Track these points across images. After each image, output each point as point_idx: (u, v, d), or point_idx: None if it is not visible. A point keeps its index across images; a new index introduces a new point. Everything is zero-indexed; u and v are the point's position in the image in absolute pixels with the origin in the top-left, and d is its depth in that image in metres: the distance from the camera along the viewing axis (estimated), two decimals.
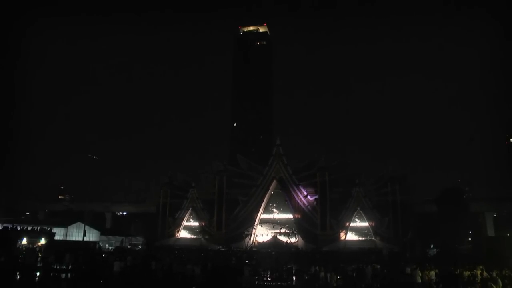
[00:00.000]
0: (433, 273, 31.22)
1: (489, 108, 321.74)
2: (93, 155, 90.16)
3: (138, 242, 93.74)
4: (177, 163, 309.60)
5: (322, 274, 31.25)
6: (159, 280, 34.52)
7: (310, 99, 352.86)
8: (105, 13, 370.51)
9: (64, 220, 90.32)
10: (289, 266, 38.44)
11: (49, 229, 75.00)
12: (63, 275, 39.06)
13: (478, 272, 31.55)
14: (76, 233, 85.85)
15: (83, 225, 79.63)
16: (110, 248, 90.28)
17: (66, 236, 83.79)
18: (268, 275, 36.86)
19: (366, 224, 79.04)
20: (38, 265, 43.57)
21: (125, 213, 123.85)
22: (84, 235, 76.70)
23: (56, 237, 75.96)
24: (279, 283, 33.98)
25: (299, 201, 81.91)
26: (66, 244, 68.72)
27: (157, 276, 35.52)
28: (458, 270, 32.21)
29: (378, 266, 37.39)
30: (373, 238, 77.10)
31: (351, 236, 79.71)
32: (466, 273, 31.90)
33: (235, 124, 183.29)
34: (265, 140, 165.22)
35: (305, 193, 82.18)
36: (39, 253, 51.90)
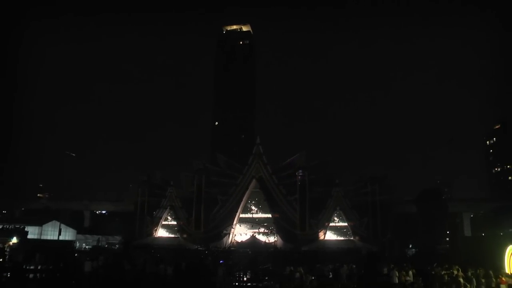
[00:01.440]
0: (410, 273, 30.74)
1: (470, 110, 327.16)
2: (70, 152, 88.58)
3: (116, 241, 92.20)
4: (158, 163, 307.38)
5: (297, 274, 30.49)
6: (130, 280, 33.35)
7: (292, 98, 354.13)
8: (81, 14, 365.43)
9: (39, 218, 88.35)
10: (265, 266, 37.62)
11: (22, 227, 73.07)
12: (31, 276, 37.52)
13: (455, 271, 31.31)
14: (51, 232, 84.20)
15: (58, 223, 77.94)
16: (87, 247, 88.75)
17: (41, 235, 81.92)
18: (243, 275, 36.00)
19: (345, 224, 78.85)
20: (6, 265, 41.86)
21: (104, 212, 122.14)
22: (60, 234, 75.03)
23: (30, 236, 74.15)
24: (254, 284, 33.11)
25: (278, 201, 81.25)
26: (39, 243, 66.85)
27: (128, 277, 34.34)
28: (435, 270, 31.82)
29: (354, 266, 36.86)
30: (352, 238, 76.88)
31: (330, 236, 79.40)
32: (443, 273, 31.60)
33: (217, 123, 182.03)
34: (246, 139, 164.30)
35: (285, 193, 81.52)
36: (5, 253, 50.02)
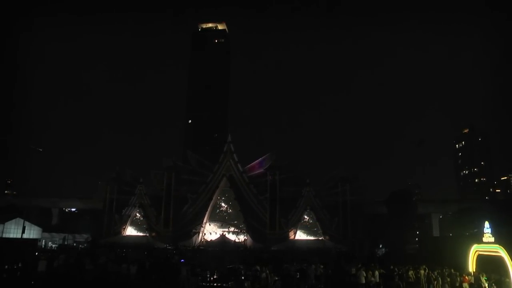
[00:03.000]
0: (377, 273, 30.46)
1: (440, 112, 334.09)
2: (36, 147, 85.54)
3: (83, 239, 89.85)
4: (130, 161, 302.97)
5: (263, 274, 29.71)
6: (89, 280, 31.96)
7: (266, 97, 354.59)
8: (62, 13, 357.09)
9: (1, 216, 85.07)
10: (231, 266, 36.69)
11: None
12: None
13: (421, 271, 31.31)
14: (14, 230, 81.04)
15: (22, 221, 75.12)
16: (53, 246, 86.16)
17: (3, 233, 78.70)
18: (208, 275, 34.99)
19: (315, 223, 78.59)
20: None
21: (74, 210, 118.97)
22: (23, 232, 72.21)
23: None
24: (219, 284, 32.15)
25: (248, 200, 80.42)
26: None
27: (88, 276, 32.92)
28: (401, 270, 31.66)
29: (322, 266, 36.37)
30: (322, 238, 76.68)
31: (300, 236, 78.99)
32: (410, 272, 31.54)
33: (190, 121, 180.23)
34: (219, 138, 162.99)
35: (255, 192, 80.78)
36: None
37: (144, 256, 51.89)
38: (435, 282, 27.54)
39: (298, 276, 32.56)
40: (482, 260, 29.39)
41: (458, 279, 27.95)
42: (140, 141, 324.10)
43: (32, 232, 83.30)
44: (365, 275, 29.75)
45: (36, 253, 53.91)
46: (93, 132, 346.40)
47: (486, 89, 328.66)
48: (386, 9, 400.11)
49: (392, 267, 33.79)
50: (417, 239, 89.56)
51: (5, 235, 77.48)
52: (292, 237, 77.20)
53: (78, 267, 35.56)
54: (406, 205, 79.91)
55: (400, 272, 30.40)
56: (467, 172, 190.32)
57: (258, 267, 31.68)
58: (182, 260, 41.37)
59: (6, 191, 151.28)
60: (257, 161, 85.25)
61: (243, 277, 28.20)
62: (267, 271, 29.37)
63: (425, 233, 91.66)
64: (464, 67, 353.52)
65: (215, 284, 33.54)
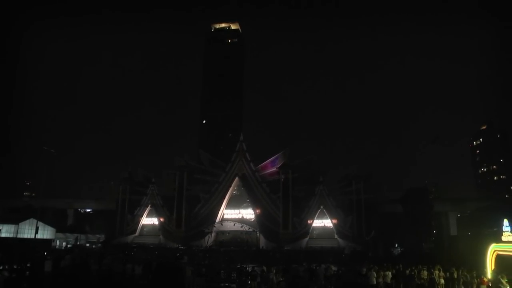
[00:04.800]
0: (389, 273, 29.25)
1: (457, 111, 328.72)
2: (49, 149, 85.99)
3: (95, 239, 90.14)
4: (144, 160, 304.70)
5: (271, 274, 28.79)
6: (94, 281, 31.43)
7: (281, 97, 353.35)
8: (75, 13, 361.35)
9: (17, 216, 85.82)
10: (239, 266, 35.79)
11: None
12: None
13: (436, 272, 30.03)
14: (28, 230, 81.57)
15: (36, 221, 75.50)
16: (68, 246, 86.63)
17: (17, 233, 79.30)
18: (217, 275, 34.23)
19: (329, 223, 77.28)
20: None
21: (89, 210, 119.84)
22: (37, 232, 72.51)
23: (5, 235, 71.63)
24: (226, 284, 31.34)
25: (261, 199, 79.47)
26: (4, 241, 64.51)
27: (92, 277, 32.41)
28: (415, 270, 30.34)
29: (332, 266, 35.25)
30: (336, 237, 75.30)
31: (313, 235, 77.75)
32: (423, 273, 30.25)
33: (204, 121, 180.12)
34: (234, 138, 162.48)
35: (268, 191, 79.78)
36: None
37: (154, 256, 51.51)
38: (450, 283, 26.24)
39: (306, 277, 31.48)
40: (502, 261, 27.94)
41: (475, 280, 26.63)
42: (155, 142, 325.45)
43: (46, 233, 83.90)
44: (375, 275, 28.59)
45: (45, 253, 53.81)
46: (108, 133, 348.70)
47: (504, 86, 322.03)
48: (406, 5, 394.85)
49: (399, 267, 32.43)
50: (433, 238, 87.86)
51: (19, 235, 78.07)
52: (305, 236, 75.93)
53: (83, 267, 35.07)
54: (422, 203, 78.21)
55: (412, 273, 29.06)
56: (485, 169, 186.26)
57: (264, 267, 30.74)
58: (185, 260, 40.54)
59: (25, 193, 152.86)
60: (270, 159, 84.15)
61: (247, 277, 27.19)
62: (273, 271, 28.44)
63: (442, 232, 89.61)
64: (481, 63, 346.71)
65: (221, 285, 32.79)
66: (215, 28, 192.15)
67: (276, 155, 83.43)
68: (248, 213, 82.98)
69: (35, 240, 71.26)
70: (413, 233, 73.95)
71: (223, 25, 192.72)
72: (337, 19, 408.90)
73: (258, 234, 77.71)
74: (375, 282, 28.14)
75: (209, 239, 79.92)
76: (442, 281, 27.45)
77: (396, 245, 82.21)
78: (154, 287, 30.15)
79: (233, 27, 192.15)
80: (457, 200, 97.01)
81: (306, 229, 76.49)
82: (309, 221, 76.74)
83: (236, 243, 76.19)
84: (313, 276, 31.00)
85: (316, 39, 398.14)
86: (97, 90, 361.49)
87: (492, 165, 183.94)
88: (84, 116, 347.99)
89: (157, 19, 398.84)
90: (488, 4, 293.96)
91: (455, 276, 27.39)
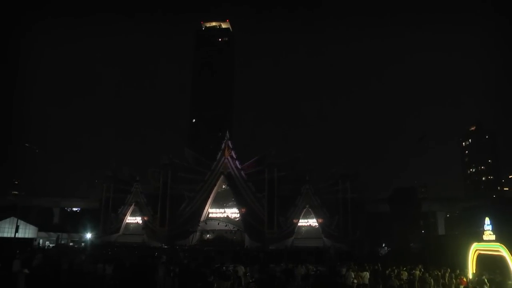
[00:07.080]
0: (366, 274, 28.16)
1: (447, 112, 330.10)
2: (32, 147, 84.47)
3: (77, 238, 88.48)
4: (132, 159, 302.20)
5: (240, 272, 27.61)
6: (63, 280, 30.10)
7: (269, 95, 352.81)
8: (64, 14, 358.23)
9: None
10: (217, 265, 34.49)
11: None
12: None
13: (417, 272, 29.08)
14: (8, 229, 79.93)
15: (16, 220, 73.77)
16: (50, 245, 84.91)
17: None
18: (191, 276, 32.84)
19: (315, 222, 76.27)
20: None
21: (75, 209, 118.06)
22: (17, 231, 70.87)
23: None
24: (199, 284, 30.00)
25: (246, 198, 78.31)
26: None
27: (62, 277, 31.06)
28: (395, 270, 29.28)
29: (311, 266, 34.15)
30: (321, 237, 74.30)
31: (299, 235, 76.72)
32: (403, 273, 29.24)
33: (194, 120, 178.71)
34: (223, 137, 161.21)
35: (253, 189, 78.64)
36: None
37: (133, 256, 50.17)
38: (428, 284, 25.25)
39: (282, 277, 30.27)
40: (483, 260, 27.03)
41: (454, 281, 25.67)
42: (144, 141, 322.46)
43: (27, 232, 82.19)
44: (353, 276, 27.51)
45: (17, 251, 52.15)
46: (96, 131, 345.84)
47: (493, 87, 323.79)
48: (392, 8, 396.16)
49: (378, 267, 31.38)
50: (422, 238, 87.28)
51: None
52: (290, 236, 74.86)
53: (53, 267, 33.72)
54: (409, 203, 77.62)
55: (392, 273, 27.98)
56: (474, 170, 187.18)
57: (240, 268, 29.48)
58: (161, 260, 39.12)
59: (13, 192, 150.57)
60: (255, 158, 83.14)
61: (220, 277, 25.86)
62: (242, 271, 27.27)
63: (430, 232, 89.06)
64: (471, 65, 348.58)
65: (196, 285, 31.46)
66: (205, 27, 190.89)
67: (262, 154, 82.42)
68: (233, 212, 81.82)
69: (14, 239, 69.61)
70: (401, 233, 73.24)
71: (213, 23, 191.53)
72: (331, 19, 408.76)
73: (242, 233, 76.55)
74: (351, 282, 27.04)
75: (194, 238, 78.67)
76: (421, 281, 26.44)
77: (384, 245, 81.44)
78: (124, 287, 28.81)
79: (223, 25, 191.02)
80: (445, 200, 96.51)
81: (292, 229, 75.53)
82: (294, 221, 75.81)
83: (221, 242, 75.04)
84: (290, 276, 29.84)
85: (307, 40, 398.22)
86: (86, 89, 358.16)
87: (481, 165, 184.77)
88: (73, 115, 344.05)
89: (146, 18, 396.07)
90: (474, 5, 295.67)
91: (433, 276, 26.39)
